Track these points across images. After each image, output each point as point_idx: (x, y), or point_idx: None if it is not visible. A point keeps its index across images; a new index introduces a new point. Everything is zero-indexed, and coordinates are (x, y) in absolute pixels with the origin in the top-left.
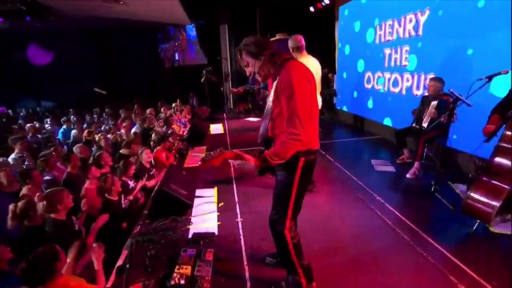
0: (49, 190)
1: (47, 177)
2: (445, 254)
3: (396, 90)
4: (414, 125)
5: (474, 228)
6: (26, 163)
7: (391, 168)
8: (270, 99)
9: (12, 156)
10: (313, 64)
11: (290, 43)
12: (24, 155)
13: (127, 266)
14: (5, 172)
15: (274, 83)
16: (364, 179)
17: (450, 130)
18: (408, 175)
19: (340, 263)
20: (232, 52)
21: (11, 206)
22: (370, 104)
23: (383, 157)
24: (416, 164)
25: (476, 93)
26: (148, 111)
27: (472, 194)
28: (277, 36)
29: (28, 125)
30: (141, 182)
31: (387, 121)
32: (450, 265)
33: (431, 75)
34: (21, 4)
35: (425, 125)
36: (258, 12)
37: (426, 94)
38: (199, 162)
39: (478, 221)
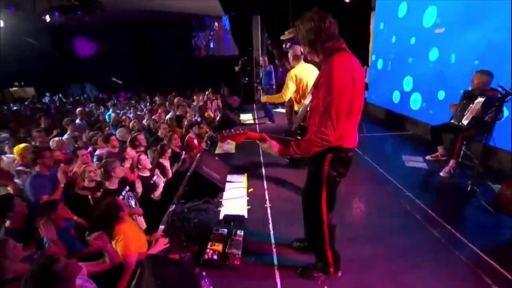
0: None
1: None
2: (479, 254)
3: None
4: (452, 121)
5: None
6: (78, 142)
7: (422, 165)
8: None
9: (65, 136)
10: (314, 70)
11: (290, 52)
12: (77, 134)
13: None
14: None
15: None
16: (394, 174)
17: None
18: (442, 173)
19: (367, 255)
20: (264, 43)
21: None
22: (401, 98)
23: (414, 153)
24: (452, 162)
25: None
26: (177, 99)
27: (505, 189)
28: (286, 33)
29: (78, 109)
30: (177, 164)
31: (421, 116)
32: (484, 266)
33: (476, 69)
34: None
35: (465, 122)
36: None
37: (470, 88)
38: (219, 136)
39: None
